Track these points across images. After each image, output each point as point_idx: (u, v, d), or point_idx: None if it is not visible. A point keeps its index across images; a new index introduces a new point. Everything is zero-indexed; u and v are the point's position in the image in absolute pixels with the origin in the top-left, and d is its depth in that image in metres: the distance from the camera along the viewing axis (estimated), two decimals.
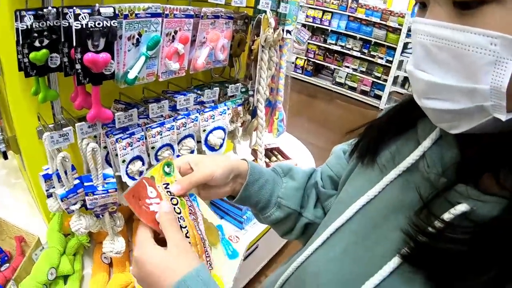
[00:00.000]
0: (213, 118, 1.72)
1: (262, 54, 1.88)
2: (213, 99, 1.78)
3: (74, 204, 1.37)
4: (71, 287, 1.64)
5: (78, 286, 1.67)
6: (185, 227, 0.77)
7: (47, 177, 1.33)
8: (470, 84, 0.49)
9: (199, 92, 1.74)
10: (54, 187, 1.33)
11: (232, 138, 2.05)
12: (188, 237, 0.77)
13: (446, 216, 0.55)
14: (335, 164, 1.00)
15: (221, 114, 1.76)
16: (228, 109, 1.82)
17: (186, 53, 1.48)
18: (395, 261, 0.60)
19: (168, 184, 0.82)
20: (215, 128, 1.73)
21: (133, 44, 1.26)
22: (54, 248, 1.63)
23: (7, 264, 1.65)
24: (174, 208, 0.79)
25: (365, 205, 0.72)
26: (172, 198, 0.80)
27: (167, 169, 0.85)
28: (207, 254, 0.80)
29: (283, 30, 2.02)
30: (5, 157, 1.63)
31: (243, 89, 2.00)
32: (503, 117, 0.48)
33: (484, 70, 0.47)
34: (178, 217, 0.78)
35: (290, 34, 2.09)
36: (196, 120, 1.66)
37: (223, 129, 1.78)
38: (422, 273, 0.56)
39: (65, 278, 1.68)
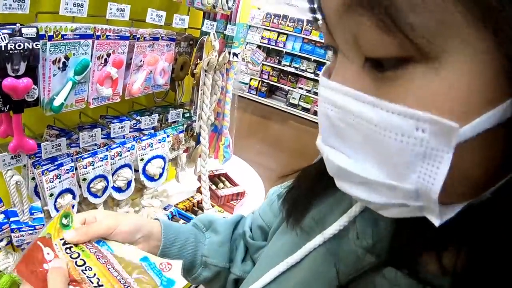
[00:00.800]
0: (151, 146, 1.64)
1: (205, 79, 1.81)
2: (153, 126, 1.70)
3: (0, 241, 1.27)
4: None
5: None
6: (94, 275, 0.67)
7: None
8: (389, 180, 0.36)
9: (137, 118, 1.65)
10: None
11: (176, 166, 1.98)
12: (102, 285, 0.67)
13: None
14: (267, 213, 0.89)
15: (160, 142, 1.68)
16: (168, 136, 1.74)
17: (120, 78, 1.39)
18: None
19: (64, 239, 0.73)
20: (154, 157, 1.65)
21: (59, 68, 1.17)
22: None
23: None
24: (76, 261, 0.68)
25: (284, 272, 0.62)
26: (71, 254, 0.69)
27: (64, 221, 0.74)
28: None
29: (229, 53, 1.97)
30: None
31: (187, 114, 1.93)
32: (437, 221, 0.36)
33: (406, 165, 0.34)
34: (82, 270, 0.67)
35: (237, 57, 2.04)
36: (133, 149, 1.58)
37: (163, 158, 1.70)
38: None
39: None
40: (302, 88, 8.21)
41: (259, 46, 8.68)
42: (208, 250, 0.89)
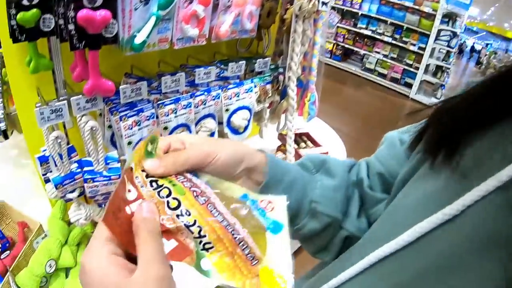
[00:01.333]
0: (238, 96, 1.49)
1: (296, 25, 1.64)
2: (238, 75, 1.55)
3: (72, 191, 1.17)
4: (73, 281, 1.50)
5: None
6: (194, 223, 0.51)
7: (43, 160, 1.14)
8: None
9: (222, 66, 1.51)
10: (51, 171, 1.14)
11: (258, 121, 1.83)
12: (205, 235, 0.51)
13: None
14: (388, 159, 0.73)
15: (247, 92, 1.53)
16: (255, 86, 1.58)
17: (207, 18, 1.25)
18: None
19: None
20: (239, 108, 1.51)
21: (141, 1, 1.03)
22: (54, 238, 1.49)
23: (8, 252, 1.53)
24: (168, 201, 0.51)
25: (436, 228, 0.45)
26: (159, 191, 0.52)
27: (150, 147, 0.58)
28: (243, 244, 0.54)
29: (318, 1, 1.76)
30: (5, 136, 1.53)
31: (272, 66, 1.77)
32: None
33: None
34: (177, 214, 0.50)
35: (326, 6, 1.84)
36: (218, 98, 1.43)
37: (249, 109, 1.55)
38: None
39: (67, 270, 1.54)
40: (378, 53, 7.88)
41: (333, 8, 8.36)
42: (320, 195, 0.70)
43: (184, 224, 0.50)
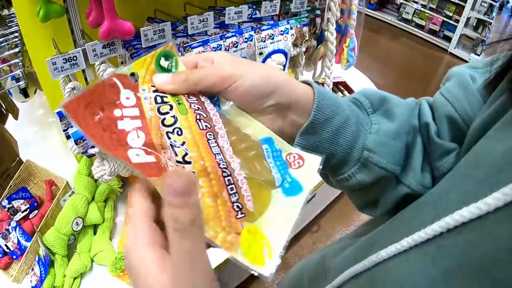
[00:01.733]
0: (272, 39, 1.35)
1: None
2: (272, 16, 1.41)
3: (93, 146, 1.08)
4: (101, 238, 1.49)
5: (108, 237, 1.52)
6: (183, 144, 0.45)
7: (63, 115, 1.04)
8: None
9: (253, 6, 1.37)
10: (72, 126, 1.05)
11: (294, 67, 1.70)
12: (189, 162, 0.44)
13: None
14: (460, 98, 0.59)
15: (282, 34, 1.38)
16: (291, 28, 1.43)
17: None
18: None
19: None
20: (274, 51, 1.37)
21: None
22: (80, 195, 1.45)
23: (36, 211, 1.53)
24: (164, 118, 0.46)
25: None
26: (160, 106, 0.47)
27: (164, 63, 0.52)
28: (232, 189, 0.46)
29: None
30: (26, 95, 1.52)
31: (309, 8, 1.62)
32: None
33: None
34: (168, 131, 0.45)
35: None
36: (251, 40, 1.29)
37: (285, 53, 1.41)
38: None
39: (95, 227, 1.53)
40: (417, 2, 7.49)
41: None
42: (375, 142, 0.58)
43: (170, 143, 0.45)
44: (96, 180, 1.46)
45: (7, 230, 1.41)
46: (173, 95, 0.50)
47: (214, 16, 1.16)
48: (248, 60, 0.55)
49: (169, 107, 0.48)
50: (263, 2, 1.32)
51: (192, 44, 1.13)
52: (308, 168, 0.53)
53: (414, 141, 0.61)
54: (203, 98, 0.52)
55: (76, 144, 1.02)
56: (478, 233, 0.37)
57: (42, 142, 1.91)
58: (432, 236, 0.42)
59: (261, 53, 1.35)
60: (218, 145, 0.47)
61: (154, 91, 0.49)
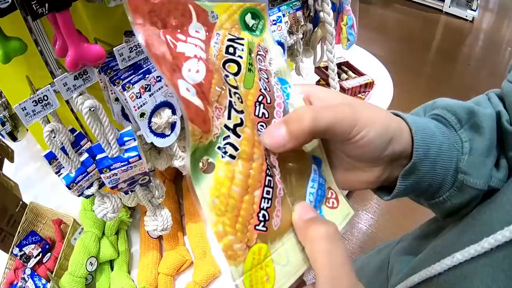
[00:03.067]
0: None
1: None
2: None
3: (89, 187, 0.98)
4: (118, 274, 1.40)
5: (125, 270, 1.43)
6: (241, 111, 0.41)
7: (51, 157, 0.94)
8: None
9: None
10: (64, 167, 0.95)
11: (292, 56, 1.58)
12: (239, 135, 0.40)
13: None
14: None
15: (275, 24, 1.27)
16: (284, 15, 1.32)
17: None
18: None
19: (242, 39, 0.46)
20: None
21: None
22: (89, 233, 1.39)
23: (49, 254, 1.46)
24: (227, 76, 0.43)
25: None
26: (228, 60, 0.43)
27: (250, 21, 0.48)
28: (267, 194, 0.41)
29: None
30: (13, 138, 1.43)
31: None
32: None
33: None
34: (231, 91, 0.42)
35: None
36: None
37: (282, 44, 1.31)
38: None
39: (111, 262, 1.46)
40: None
41: None
42: (469, 163, 0.54)
43: (230, 102, 0.41)
44: None
45: (23, 279, 1.36)
46: (249, 53, 0.46)
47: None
48: (358, 101, 0.51)
49: (236, 67, 0.44)
50: None
51: None
52: (338, 214, 0.50)
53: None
54: (275, 79, 0.48)
55: (69, 188, 0.92)
56: None
57: (45, 178, 1.84)
58: (497, 244, 0.43)
59: None
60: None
61: (229, 40, 0.45)
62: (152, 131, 0.98)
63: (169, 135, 1.02)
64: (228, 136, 0.40)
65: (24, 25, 0.80)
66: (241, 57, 0.44)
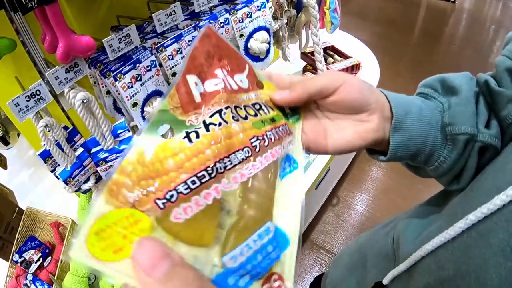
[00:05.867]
0: (250, 16, 1.23)
1: None
2: None
3: (86, 181, 0.99)
4: None
5: None
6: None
7: (46, 155, 0.95)
8: None
9: None
10: (59, 165, 0.96)
11: (279, 42, 1.59)
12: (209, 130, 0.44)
13: None
14: None
15: (259, 9, 1.26)
16: (268, 1, 1.31)
17: None
18: None
19: (269, 107, 0.53)
20: (255, 30, 1.25)
21: None
22: None
23: (50, 257, 1.49)
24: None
25: None
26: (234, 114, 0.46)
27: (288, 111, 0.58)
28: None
29: None
30: (5, 142, 1.48)
31: None
32: None
33: None
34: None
35: None
36: (228, 24, 1.18)
37: (267, 29, 1.30)
38: None
39: None
40: None
41: None
42: (451, 116, 0.62)
43: (220, 110, 0.46)
44: None
45: (26, 285, 1.38)
46: (271, 121, 0.51)
47: (182, 8, 1.05)
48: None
49: (253, 112, 0.49)
50: None
51: (164, 43, 1.01)
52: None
53: (478, 101, 0.64)
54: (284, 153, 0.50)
55: (67, 184, 0.92)
56: None
57: (39, 183, 1.84)
58: (483, 216, 0.48)
59: (241, 35, 1.23)
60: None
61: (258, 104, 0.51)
62: (144, 119, 0.98)
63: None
64: (200, 128, 0.43)
65: (11, 27, 0.80)
66: (260, 114, 0.49)
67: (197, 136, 0.42)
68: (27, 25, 0.88)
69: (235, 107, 0.47)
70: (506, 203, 0.47)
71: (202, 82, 0.47)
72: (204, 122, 0.43)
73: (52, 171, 0.97)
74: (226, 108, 0.45)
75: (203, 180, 0.40)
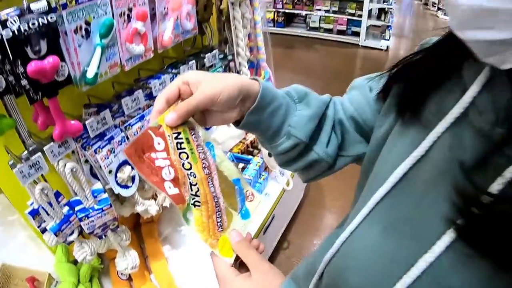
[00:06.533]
0: None
1: (233, 12, 1.70)
2: None
3: (71, 234, 1.20)
4: None
5: None
6: (195, 184, 0.72)
7: (34, 213, 1.16)
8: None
9: (174, 71, 1.53)
10: (45, 221, 1.17)
11: None
12: (198, 196, 0.73)
13: (503, 179, 0.44)
14: (362, 105, 0.86)
15: None
16: None
17: (148, 31, 1.27)
18: (449, 237, 0.48)
19: (179, 133, 0.71)
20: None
21: (82, 36, 1.05)
22: (66, 282, 1.52)
23: None
24: (183, 164, 0.71)
25: (410, 168, 0.58)
26: (181, 152, 0.71)
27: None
28: (219, 214, 0.76)
29: None
30: None
31: (221, 56, 1.81)
32: None
33: None
34: (188, 174, 0.71)
35: None
36: None
37: None
38: (480, 250, 0.46)
39: None
40: (320, 10, 7.95)
41: None
42: (296, 121, 0.82)
43: (189, 182, 0.71)
44: (76, 263, 1.55)
45: None
46: (188, 142, 0.71)
47: (142, 91, 1.32)
48: (217, 74, 0.77)
49: (186, 155, 0.70)
50: (180, 67, 1.49)
51: (130, 122, 1.28)
52: (256, 202, 0.84)
53: (325, 124, 0.86)
54: (206, 148, 0.73)
55: (56, 235, 1.14)
56: (395, 199, 0.59)
57: (10, 241, 1.86)
58: (366, 214, 0.62)
59: None
60: (213, 186, 0.74)
61: (175, 138, 0.70)
62: (118, 184, 1.24)
63: (131, 187, 1.28)
64: (194, 198, 0.72)
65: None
66: (184, 148, 0.70)
67: (199, 203, 0.73)
68: (15, 104, 1.03)
69: (183, 165, 0.70)
70: (376, 205, 0.61)
71: (166, 179, 0.70)
72: (191, 195, 0.72)
73: (38, 227, 1.17)
74: (188, 176, 0.71)
75: (219, 205, 0.76)
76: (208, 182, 0.73)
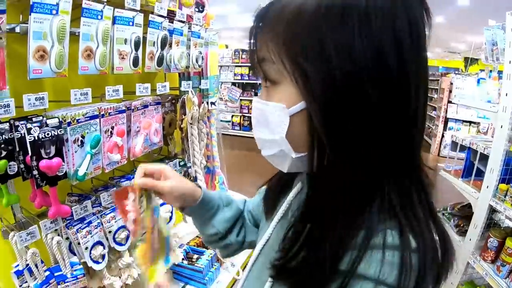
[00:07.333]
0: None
1: (191, 130, 2.12)
2: None
3: None
4: None
5: None
6: (144, 233, 1.02)
7: (19, 274, 1.47)
8: (271, 136, 0.71)
9: None
10: (26, 282, 1.48)
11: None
12: (143, 236, 1.02)
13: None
14: (257, 206, 1.21)
15: None
16: None
17: (124, 144, 1.70)
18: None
19: (142, 195, 1.03)
20: (162, 204, 1.87)
21: (78, 145, 1.46)
22: None
23: None
24: (141, 214, 1.02)
25: (265, 244, 0.93)
26: (141, 206, 1.02)
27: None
28: (154, 253, 1.03)
29: (207, 103, 2.29)
30: None
31: (182, 163, 2.22)
32: (294, 155, 0.71)
33: (275, 125, 0.70)
34: (142, 220, 1.01)
35: (215, 105, 2.35)
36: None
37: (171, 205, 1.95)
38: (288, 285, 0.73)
39: None
40: None
41: (234, 84, 9.00)
42: (219, 219, 1.15)
43: (142, 226, 1.02)
44: None
45: None
46: (147, 202, 1.03)
47: (116, 188, 1.72)
48: (182, 178, 1.11)
49: (143, 209, 1.02)
50: None
51: (105, 212, 1.68)
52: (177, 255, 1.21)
53: (238, 221, 1.22)
54: (155, 215, 1.06)
55: None
56: (261, 256, 0.93)
57: None
58: (247, 272, 0.97)
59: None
60: (153, 234, 1.03)
61: (139, 197, 1.02)
62: (91, 259, 1.60)
63: (101, 262, 1.65)
64: (141, 236, 1.03)
65: None
66: (143, 205, 1.03)
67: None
68: (13, 184, 1.40)
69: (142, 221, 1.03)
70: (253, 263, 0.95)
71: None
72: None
73: (20, 286, 1.48)
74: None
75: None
76: (152, 231, 1.03)
